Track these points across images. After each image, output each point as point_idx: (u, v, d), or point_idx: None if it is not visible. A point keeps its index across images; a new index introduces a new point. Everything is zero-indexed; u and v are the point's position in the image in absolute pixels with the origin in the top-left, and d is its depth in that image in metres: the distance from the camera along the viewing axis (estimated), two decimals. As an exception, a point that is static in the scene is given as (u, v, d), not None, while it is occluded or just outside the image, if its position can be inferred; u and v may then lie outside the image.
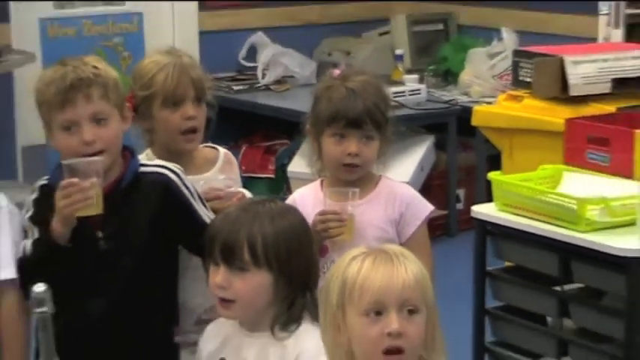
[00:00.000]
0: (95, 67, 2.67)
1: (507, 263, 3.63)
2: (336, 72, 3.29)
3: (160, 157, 2.93)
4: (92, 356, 2.60)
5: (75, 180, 2.55)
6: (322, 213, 2.88)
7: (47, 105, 2.65)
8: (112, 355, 2.61)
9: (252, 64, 6.69)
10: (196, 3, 6.60)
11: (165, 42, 5.66)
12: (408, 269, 2.11)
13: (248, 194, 2.98)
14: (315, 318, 2.37)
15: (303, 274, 2.43)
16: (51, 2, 6.19)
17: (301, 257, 2.46)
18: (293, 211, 2.62)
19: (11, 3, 5.89)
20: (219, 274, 2.40)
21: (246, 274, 2.40)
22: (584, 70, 4.40)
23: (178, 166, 2.81)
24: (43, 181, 2.78)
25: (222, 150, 3.15)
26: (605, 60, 4.51)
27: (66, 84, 2.61)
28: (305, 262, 2.45)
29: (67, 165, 2.59)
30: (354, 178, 2.96)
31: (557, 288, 3.34)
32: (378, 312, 2.07)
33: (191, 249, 2.74)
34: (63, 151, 2.68)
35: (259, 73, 6.58)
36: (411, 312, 2.08)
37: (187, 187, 2.78)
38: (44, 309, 1.94)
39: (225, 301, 2.43)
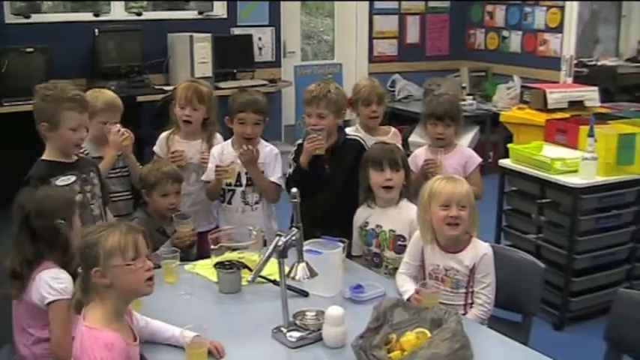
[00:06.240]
0: (330, 89, 3.58)
1: (514, 188, 4.58)
2: (435, 94, 4.81)
3: (364, 130, 3.98)
4: (316, 224, 3.01)
5: (315, 135, 3.45)
6: (426, 160, 3.70)
7: (304, 102, 3.62)
8: (325, 225, 3.09)
9: (392, 89, 8.12)
10: (367, 59, 8.27)
11: (352, 78, 7.71)
12: (463, 186, 2.82)
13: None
14: (409, 200, 3.23)
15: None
16: (300, 57, 8.16)
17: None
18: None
19: (283, 60, 7.71)
20: (387, 174, 3.21)
21: (398, 172, 3.23)
22: (555, 96, 5.85)
23: (361, 135, 3.82)
24: (299, 141, 3.64)
25: (392, 128, 4.11)
26: (565, 92, 5.93)
27: (314, 94, 3.55)
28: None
29: (312, 129, 3.50)
30: (442, 145, 3.77)
31: (538, 201, 4.34)
32: (447, 206, 2.78)
33: None
34: (307, 125, 3.62)
35: (396, 93, 8.13)
36: (463, 207, 2.77)
37: (367, 144, 3.66)
38: (296, 199, 2.44)
39: (388, 188, 3.23)
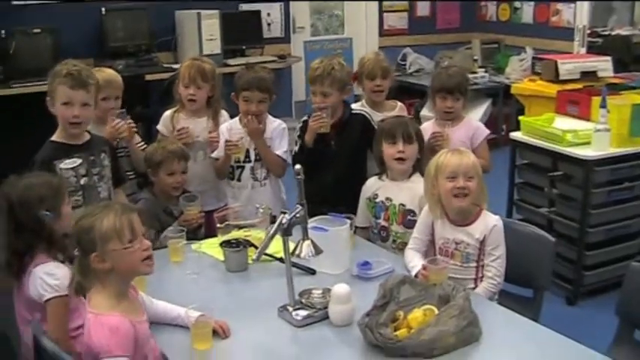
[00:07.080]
0: (334, 65, 3.56)
1: (525, 161, 4.54)
2: (442, 67, 4.83)
3: (370, 105, 3.91)
4: (323, 201, 3.04)
5: (319, 113, 3.46)
6: (433, 133, 3.64)
7: (309, 80, 3.62)
8: (332, 201, 3.12)
9: (403, 63, 8.08)
10: (377, 33, 8.31)
11: (362, 52, 6.96)
12: (469, 158, 2.81)
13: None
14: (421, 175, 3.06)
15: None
16: (309, 33, 8.15)
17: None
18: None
19: (292, 35, 7.78)
20: (400, 146, 3.18)
21: (411, 144, 3.20)
22: (567, 67, 5.73)
23: (367, 111, 3.77)
24: (305, 117, 3.64)
25: (399, 103, 4.03)
26: (577, 62, 5.83)
27: (317, 72, 3.56)
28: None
29: (317, 107, 3.50)
30: (450, 118, 3.73)
31: (550, 174, 4.28)
32: (454, 177, 2.76)
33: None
34: (313, 103, 3.60)
35: (407, 67, 8.06)
36: (470, 178, 2.75)
37: (372, 119, 3.67)
38: (300, 176, 2.39)
39: (400, 160, 3.20)
